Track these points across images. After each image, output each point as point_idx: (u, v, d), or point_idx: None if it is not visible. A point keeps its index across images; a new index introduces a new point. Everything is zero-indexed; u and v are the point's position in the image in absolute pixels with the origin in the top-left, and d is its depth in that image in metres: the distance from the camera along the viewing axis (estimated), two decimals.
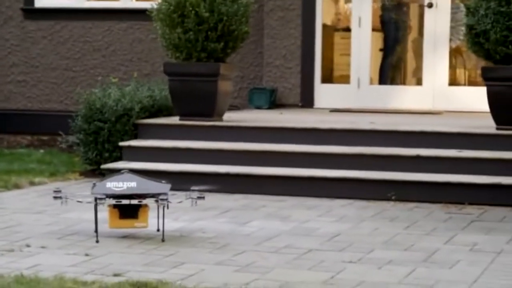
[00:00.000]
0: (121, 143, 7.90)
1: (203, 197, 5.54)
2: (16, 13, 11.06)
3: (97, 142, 8.06)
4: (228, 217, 6.27)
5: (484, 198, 6.81)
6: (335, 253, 5.17)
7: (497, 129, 7.40)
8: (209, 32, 7.87)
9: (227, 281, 4.46)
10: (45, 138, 10.79)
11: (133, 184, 5.44)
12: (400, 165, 7.25)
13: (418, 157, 7.24)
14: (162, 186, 5.51)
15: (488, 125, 7.56)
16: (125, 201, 5.42)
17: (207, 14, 7.82)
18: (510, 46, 7.21)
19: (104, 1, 11.16)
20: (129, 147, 7.87)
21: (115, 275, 4.57)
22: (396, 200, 6.95)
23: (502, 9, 7.20)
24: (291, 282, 4.49)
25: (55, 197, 5.48)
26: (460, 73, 10.72)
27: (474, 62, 10.79)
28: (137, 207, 5.43)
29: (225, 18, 7.87)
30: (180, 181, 7.31)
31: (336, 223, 6.10)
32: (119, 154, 7.99)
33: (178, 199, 5.53)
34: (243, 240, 5.53)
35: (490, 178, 6.90)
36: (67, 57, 10.96)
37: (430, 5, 9.82)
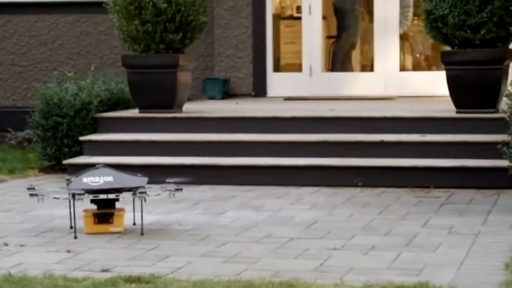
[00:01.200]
0: (82, 138, 7.79)
1: (181, 189, 5.51)
2: None
3: (55, 138, 7.94)
4: (201, 209, 6.24)
5: (449, 181, 6.90)
6: (317, 241, 5.19)
7: (457, 112, 7.50)
8: (167, 23, 7.80)
9: (218, 273, 4.44)
10: None
11: (109, 178, 5.39)
12: (365, 151, 7.31)
13: (382, 143, 7.30)
14: (139, 180, 5.48)
15: (447, 109, 7.65)
16: (102, 196, 5.36)
17: (164, 5, 7.75)
18: (468, 31, 7.30)
19: None
20: (90, 141, 7.77)
21: (104, 270, 4.51)
22: (363, 186, 7.00)
23: None
24: (282, 271, 4.49)
25: (31, 195, 5.38)
26: (410, 59, 10.84)
27: (423, 47, 10.94)
28: (111, 213, 5.38)
29: (183, 8, 7.81)
30: (146, 174, 7.24)
31: (309, 211, 6.11)
32: (79, 148, 7.88)
33: (155, 192, 5.49)
34: (222, 231, 5.51)
35: (454, 161, 6.99)
36: (13, 52, 10.76)
37: None
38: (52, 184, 7.00)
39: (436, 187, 6.89)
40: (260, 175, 7.25)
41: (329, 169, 7.19)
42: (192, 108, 8.44)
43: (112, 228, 5.42)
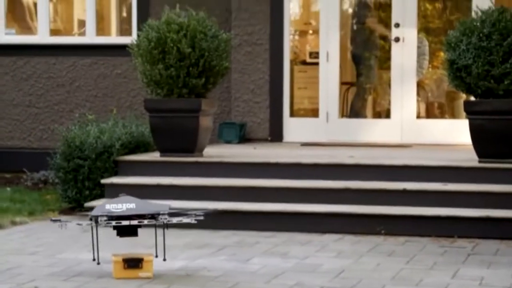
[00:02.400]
0: (103, 181, 7.79)
1: (202, 215, 5.52)
2: None
3: (76, 180, 7.94)
4: (227, 255, 6.22)
5: (473, 231, 6.88)
6: None
7: (480, 162, 7.51)
8: (190, 68, 7.84)
9: None
10: (8, 175, 10.57)
11: (132, 205, 5.48)
12: (387, 199, 7.29)
13: (404, 191, 7.30)
14: (161, 206, 5.56)
15: (469, 158, 7.66)
16: (125, 222, 5.39)
17: (188, 50, 7.79)
18: (491, 81, 7.34)
19: (68, 37, 11.08)
20: (111, 184, 7.76)
21: None
22: (386, 234, 6.98)
23: (483, 44, 7.33)
24: None
25: (54, 220, 5.54)
26: (427, 106, 10.88)
27: (440, 95, 10.98)
28: (141, 258, 5.39)
29: (206, 53, 7.85)
30: None
31: (336, 259, 6.09)
32: (99, 191, 7.88)
33: (177, 218, 5.50)
34: (251, 278, 5.48)
35: (478, 211, 6.98)
36: (30, 93, 10.81)
37: (397, 40, 9.94)
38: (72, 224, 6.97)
39: (460, 236, 6.87)
40: (282, 221, 7.24)
41: (352, 216, 7.17)
42: (212, 152, 8.45)
43: (141, 273, 5.41)
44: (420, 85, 10.80)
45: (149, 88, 8.01)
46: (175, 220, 5.49)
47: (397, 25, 9.82)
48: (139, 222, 5.43)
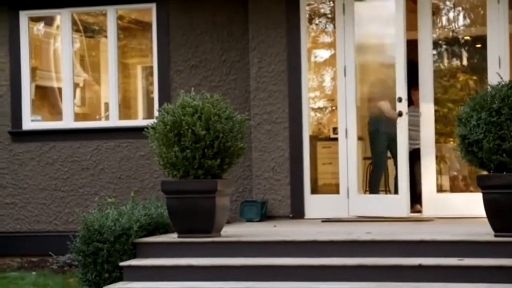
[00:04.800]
0: (122, 263, 7.88)
1: None
2: (3, 136, 11.14)
3: (96, 263, 8.03)
4: None
5: None
6: None
7: (496, 236, 7.50)
8: (205, 150, 7.96)
9: None
10: (35, 259, 10.73)
11: None
12: (402, 275, 7.28)
13: (419, 267, 7.29)
14: None
15: (485, 232, 7.66)
16: None
17: (203, 132, 7.93)
18: (504, 155, 7.37)
19: (91, 121, 11.32)
20: (130, 266, 7.85)
21: None
22: None
23: (493, 119, 7.38)
24: None
25: None
26: (450, 179, 10.90)
27: (461, 168, 11.01)
28: None
29: (221, 135, 7.98)
30: None
31: None
32: (119, 274, 7.96)
33: None
34: None
35: (493, 286, 6.95)
36: (56, 178, 11.01)
37: (400, 114, 9.88)
38: None
39: None
40: None
41: None
42: (230, 232, 8.52)
43: None
44: (441, 158, 10.85)
45: (165, 170, 8.14)
46: None
47: (399, 100, 9.86)
48: None
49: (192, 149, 7.95)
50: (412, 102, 10.83)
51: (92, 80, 12.20)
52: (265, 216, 10.25)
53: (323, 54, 11.53)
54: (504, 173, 7.43)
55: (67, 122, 11.02)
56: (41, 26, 11.79)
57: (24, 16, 11.19)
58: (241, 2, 10.61)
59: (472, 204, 9.71)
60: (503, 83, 7.59)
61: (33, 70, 11.66)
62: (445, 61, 11.48)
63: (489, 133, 7.38)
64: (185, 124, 7.95)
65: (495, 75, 8.81)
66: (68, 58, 11.06)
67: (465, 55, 11.41)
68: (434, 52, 10.38)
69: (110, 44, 10.99)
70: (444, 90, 11.12)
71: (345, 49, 10.23)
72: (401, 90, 9.83)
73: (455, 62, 11.54)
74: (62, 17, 11.13)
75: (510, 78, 9.48)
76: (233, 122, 8.12)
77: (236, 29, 10.68)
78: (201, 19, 10.77)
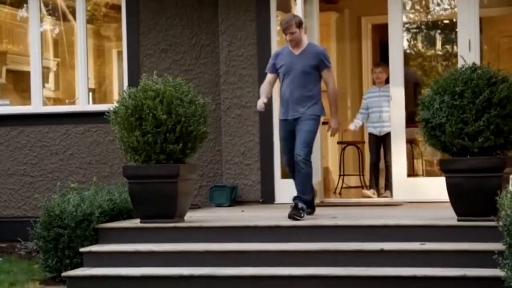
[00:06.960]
0: (82, 249, 7.79)
1: None
2: None
3: (57, 249, 7.94)
4: None
5: None
6: None
7: (459, 220, 7.43)
8: (167, 134, 7.86)
9: None
10: (3, 245, 10.60)
11: None
12: (365, 260, 7.22)
13: (382, 251, 7.22)
14: None
15: (449, 216, 7.58)
16: None
17: (164, 116, 7.83)
18: (466, 138, 7.29)
19: (60, 106, 11.20)
20: (90, 252, 7.76)
21: None
22: None
23: (456, 103, 7.29)
24: None
25: None
26: (418, 164, 10.83)
27: (433, 152, 10.95)
28: None
29: (183, 119, 7.88)
30: (143, 285, 7.25)
31: None
32: (80, 260, 7.87)
33: None
34: None
35: (455, 271, 6.87)
36: (25, 163, 10.90)
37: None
38: None
39: None
40: (260, 285, 7.17)
41: (330, 278, 7.08)
42: (195, 217, 8.44)
43: None
44: (413, 143, 10.78)
45: (127, 154, 8.04)
46: None
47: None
48: None
49: (154, 134, 7.85)
50: (373, 82, 10.67)
51: (67, 65, 12.07)
52: (235, 201, 10.16)
53: None
54: (468, 157, 7.36)
55: (36, 106, 10.89)
56: (11, 9, 11.65)
57: None
58: None
59: (443, 188, 9.62)
60: (466, 66, 7.49)
61: (4, 53, 11.54)
62: (418, 44, 11.40)
63: (451, 116, 7.30)
64: (146, 108, 7.85)
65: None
66: (36, 41, 10.91)
67: (438, 38, 11.33)
68: (405, 35, 10.29)
69: (79, 27, 10.84)
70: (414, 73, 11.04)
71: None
72: None
73: (426, 46, 11.46)
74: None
75: (481, 62, 9.39)
76: (195, 106, 8.03)
77: (206, 13, 10.56)
78: (171, 2, 10.65)
